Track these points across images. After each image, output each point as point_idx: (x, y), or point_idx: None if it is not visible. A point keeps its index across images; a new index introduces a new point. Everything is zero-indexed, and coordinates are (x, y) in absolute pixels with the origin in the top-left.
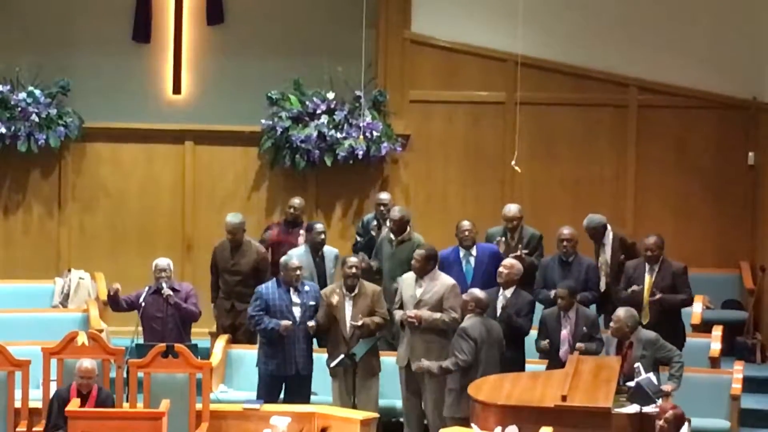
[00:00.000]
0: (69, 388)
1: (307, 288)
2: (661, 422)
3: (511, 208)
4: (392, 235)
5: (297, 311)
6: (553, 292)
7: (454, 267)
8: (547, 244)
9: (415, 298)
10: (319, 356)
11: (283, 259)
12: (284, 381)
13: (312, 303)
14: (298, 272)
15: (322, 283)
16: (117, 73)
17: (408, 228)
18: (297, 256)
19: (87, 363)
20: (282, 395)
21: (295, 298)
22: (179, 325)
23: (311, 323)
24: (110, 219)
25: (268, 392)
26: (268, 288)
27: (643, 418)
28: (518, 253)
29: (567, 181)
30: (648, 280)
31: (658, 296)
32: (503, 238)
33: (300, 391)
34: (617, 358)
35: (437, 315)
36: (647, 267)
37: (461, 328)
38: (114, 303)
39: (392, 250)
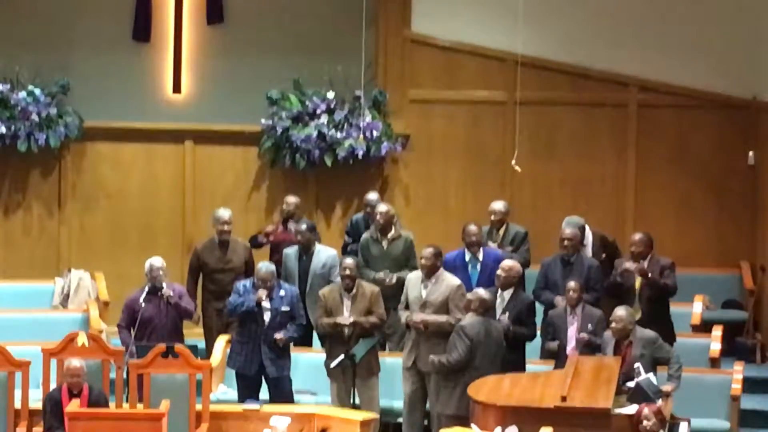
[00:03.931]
0: (60, 389)
1: (282, 293)
2: (643, 423)
3: (495, 204)
4: (378, 234)
5: (266, 315)
6: (559, 298)
7: (460, 271)
8: (546, 245)
9: (421, 299)
10: (319, 356)
11: (259, 264)
12: (254, 380)
13: (285, 308)
14: (264, 282)
15: (302, 282)
16: (117, 73)
17: (394, 225)
18: (292, 253)
19: (75, 362)
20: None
21: (265, 303)
22: (178, 324)
23: (279, 335)
24: (110, 219)
25: (240, 389)
26: (246, 287)
27: None
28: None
29: (567, 181)
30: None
31: (649, 275)
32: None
33: (275, 392)
34: (617, 358)
35: (443, 318)
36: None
37: (459, 326)
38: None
39: (383, 248)
